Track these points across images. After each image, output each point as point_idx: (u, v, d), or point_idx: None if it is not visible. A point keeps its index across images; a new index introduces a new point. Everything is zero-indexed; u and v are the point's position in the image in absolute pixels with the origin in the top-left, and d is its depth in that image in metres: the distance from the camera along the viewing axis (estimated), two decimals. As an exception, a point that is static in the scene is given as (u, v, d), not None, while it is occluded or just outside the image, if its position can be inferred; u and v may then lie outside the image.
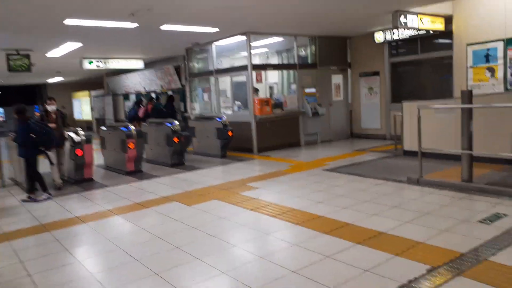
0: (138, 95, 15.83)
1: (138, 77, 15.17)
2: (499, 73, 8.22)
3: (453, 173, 6.11)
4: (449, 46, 9.06)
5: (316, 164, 7.68)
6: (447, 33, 8.92)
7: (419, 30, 8.56)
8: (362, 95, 11.35)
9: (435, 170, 6.42)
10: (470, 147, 5.43)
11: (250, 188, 6.14)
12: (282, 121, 10.04)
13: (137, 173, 7.84)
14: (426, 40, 9.68)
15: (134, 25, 7.69)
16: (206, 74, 11.31)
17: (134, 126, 8.27)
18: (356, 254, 3.46)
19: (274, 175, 6.97)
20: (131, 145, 7.68)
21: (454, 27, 8.82)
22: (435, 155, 7.04)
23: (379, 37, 10.40)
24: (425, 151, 5.99)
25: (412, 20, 7.74)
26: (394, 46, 10.52)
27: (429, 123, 6.71)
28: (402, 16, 7.64)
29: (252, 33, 9.49)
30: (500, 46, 8.13)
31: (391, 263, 3.24)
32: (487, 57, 8.40)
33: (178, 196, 5.91)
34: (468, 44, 8.66)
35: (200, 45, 10.83)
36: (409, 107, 7.92)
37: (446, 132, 7.12)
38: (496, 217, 4.16)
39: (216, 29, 8.81)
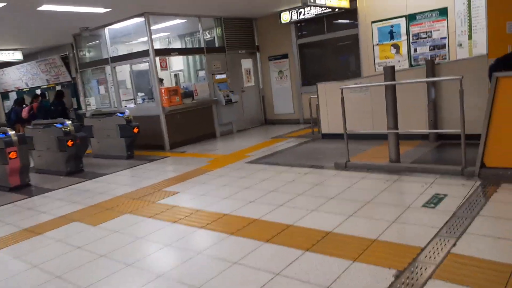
0: (20, 92, 13.63)
1: (18, 72, 12.98)
2: (404, 49, 8.42)
3: (377, 154, 5.99)
4: (355, 25, 9.05)
5: (237, 157, 7.08)
6: (352, 11, 8.88)
7: (326, 7, 8.37)
8: (273, 79, 10.99)
9: (358, 152, 6.24)
10: (396, 126, 5.27)
11: (168, 193, 5.29)
12: (194, 111, 9.21)
13: (23, 188, 6.46)
14: (332, 19, 9.56)
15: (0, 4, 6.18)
16: (100, 63, 9.90)
17: (17, 130, 6.88)
18: (309, 266, 2.93)
19: (193, 174, 6.19)
20: (12, 154, 6.26)
21: (359, 4, 8.81)
22: (353, 135, 6.89)
23: (285, 17, 10.05)
24: (348, 133, 5.71)
25: (320, -3, 7.49)
26: (301, 27, 10.27)
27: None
28: (311, -8, 7.32)
29: (151, 14, 8.41)
30: (403, 22, 8.29)
31: (352, 273, 2.77)
32: (392, 34, 8.54)
33: (80, 214, 4.83)
34: (372, 22, 8.72)
35: (90, 30, 9.40)
36: (324, 89, 7.69)
37: (360, 111, 6.99)
38: (437, 198, 3.98)
39: (108, 10, 7.57)
